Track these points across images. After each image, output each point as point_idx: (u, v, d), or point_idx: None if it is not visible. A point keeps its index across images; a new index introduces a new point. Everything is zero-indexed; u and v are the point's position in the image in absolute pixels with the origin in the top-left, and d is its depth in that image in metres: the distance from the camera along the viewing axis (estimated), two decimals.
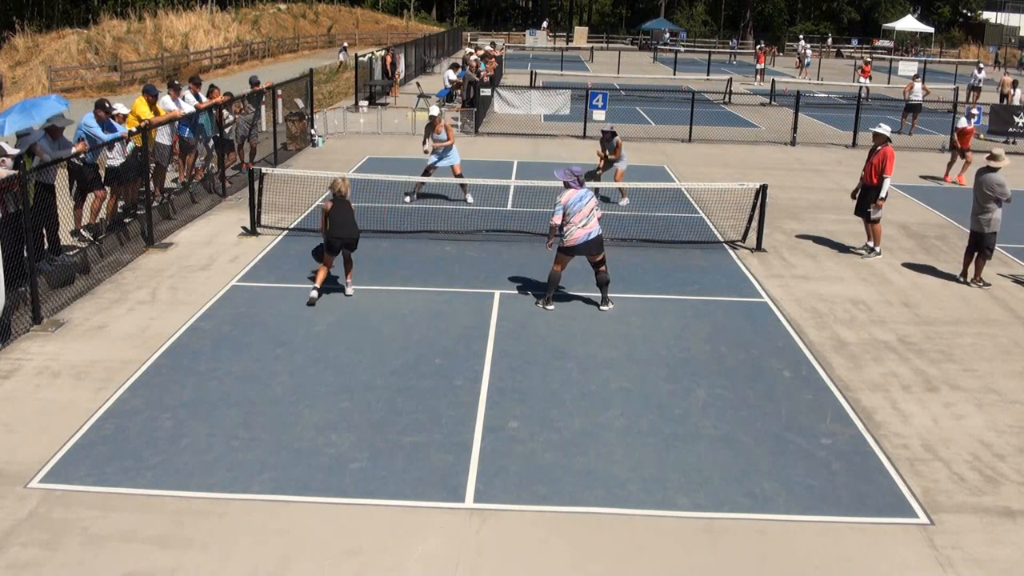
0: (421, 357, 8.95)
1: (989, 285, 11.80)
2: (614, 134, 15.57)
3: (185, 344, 9.16)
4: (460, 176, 15.27)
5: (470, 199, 15.47)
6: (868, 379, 8.83)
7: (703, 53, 56.42)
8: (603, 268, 10.34)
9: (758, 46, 47.11)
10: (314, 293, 10.39)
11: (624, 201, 15.68)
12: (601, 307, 10.44)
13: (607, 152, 15.64)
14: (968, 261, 11.99)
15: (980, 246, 11.77)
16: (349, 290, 10.68)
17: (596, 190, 15.54)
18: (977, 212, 11.75)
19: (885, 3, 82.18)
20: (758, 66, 43.35)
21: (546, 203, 15.45)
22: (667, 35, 69.47)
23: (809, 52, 48.35)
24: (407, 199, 15.36)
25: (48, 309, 9.80)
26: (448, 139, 15.18)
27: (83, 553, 5.76)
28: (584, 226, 9.99)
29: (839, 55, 69.45)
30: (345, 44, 44.37)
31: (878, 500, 6.66)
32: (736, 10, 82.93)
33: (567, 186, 10.13)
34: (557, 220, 10.07)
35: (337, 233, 10.22)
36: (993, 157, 11.67)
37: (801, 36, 62.92)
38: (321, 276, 10.43)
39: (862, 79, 36.80)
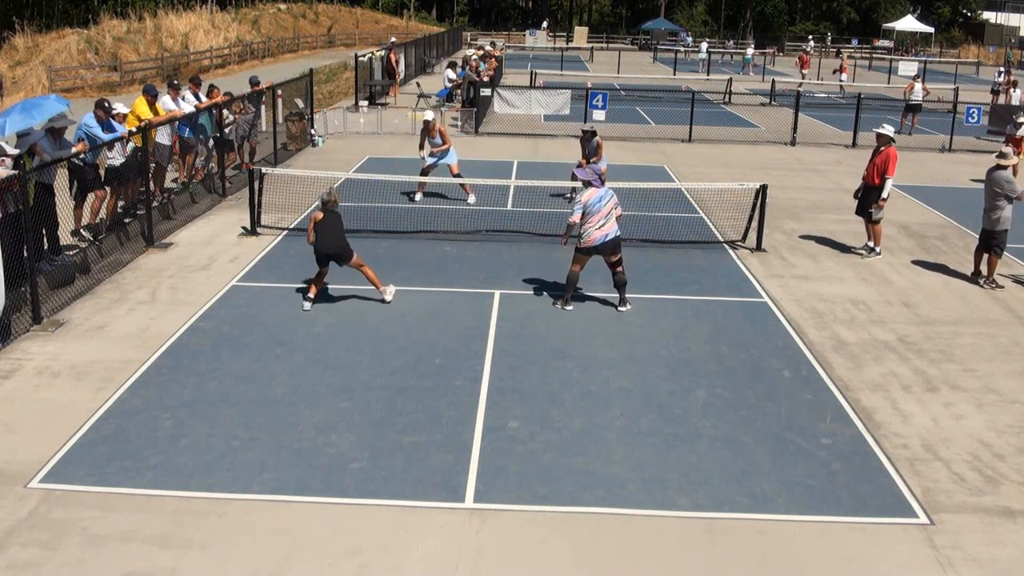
0: (421, 357, 8.95)
1: (1002, 287, 11.81)
2: (594, 134, 14.82)
3: (185, 344, 9.16)
4: (458, 176, 15.23)
5: (472, 199, 15.38)
6: (868, 379, 8.83)
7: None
8: (620, 269, 10.32)
9: (807, 48, 46.83)
10: (307, 305, 10.18)
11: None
12: (619, 308, 10.43)
13: (587, 153, 14.85)
14: (978, 259, 12.08)
15: (989, 244, 11.84)
16: (387, 296, 10.41)
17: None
18: (988, 210, 11.93)
19: (885, 3, 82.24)
20: (803, 71, 43.06)
21: (546, 203, 15.49)
22: (687, 38, 67.66)
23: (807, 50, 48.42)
24: (417, 197, 15.39)
25: (48, 309, 9.80)
26: (444, 143, 15.13)
27: (83, 553, 5.77)
28: (601, 227, 9.97)
29: (839, 55, 69.42)
30: (393, 39, 40.63)
31: (878, 500, 6.66)
32: (736, 10, 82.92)
33: (588, 185, 10.09)
34: (575, 219, 10.03)
35: (319, 245, 10.00)
36: (1002, 155, 11.94)
37: (811, 37, 63.02)
38: (313, 291, 10.25)
39: (842, 76, 36.97)
